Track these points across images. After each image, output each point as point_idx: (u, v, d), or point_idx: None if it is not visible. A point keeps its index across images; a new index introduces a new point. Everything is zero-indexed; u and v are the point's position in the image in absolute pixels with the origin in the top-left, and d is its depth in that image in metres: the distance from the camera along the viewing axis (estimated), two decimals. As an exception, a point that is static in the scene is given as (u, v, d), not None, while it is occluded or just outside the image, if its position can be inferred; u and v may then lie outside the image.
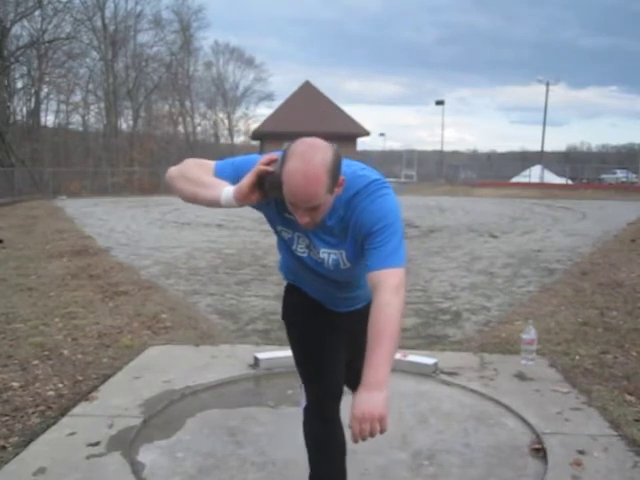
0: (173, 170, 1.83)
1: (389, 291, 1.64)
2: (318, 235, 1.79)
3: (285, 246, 1.92)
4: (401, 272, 1.69)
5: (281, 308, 2.29)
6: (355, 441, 1.54)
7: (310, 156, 1.54)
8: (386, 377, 1.59)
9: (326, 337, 2.07)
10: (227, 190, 1.67)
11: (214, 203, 1.70)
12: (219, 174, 1.76)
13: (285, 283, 2.22)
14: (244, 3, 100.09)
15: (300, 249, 1.87)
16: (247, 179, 1.64)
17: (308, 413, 2.10)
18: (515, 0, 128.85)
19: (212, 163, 1.82)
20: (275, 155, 1.66)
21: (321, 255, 1.83)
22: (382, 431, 1.53)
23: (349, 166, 1.73)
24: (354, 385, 1.90)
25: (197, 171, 1.77)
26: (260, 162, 1.66)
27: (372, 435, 1.52)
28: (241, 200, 1.66)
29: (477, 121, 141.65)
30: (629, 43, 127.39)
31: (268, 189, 1.66)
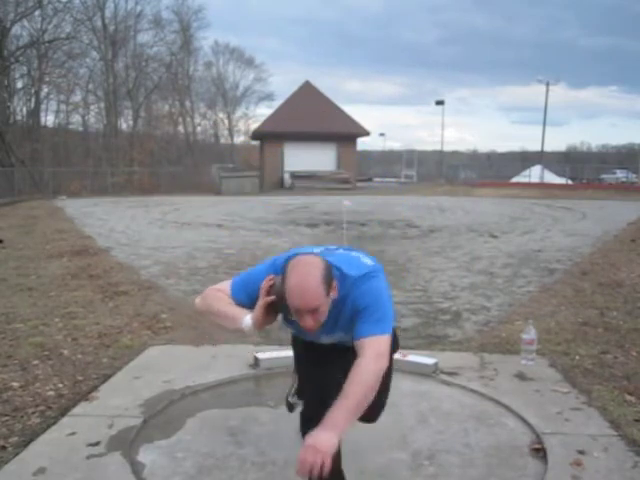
0: (199, 305, 2.20)
1: (370, 358, 1.89)
2: (314, 337, 2.13)
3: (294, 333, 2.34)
4: (385, 339, 1.96)
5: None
6: (297, 470, 1.70)
7: (304, 271, 1.88)
8: (344, 424, 1.78)
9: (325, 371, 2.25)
10: (247, 321, 2.03)
11: (239, 331, 2.07)
12: (234, 297, 2.13)
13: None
14: (244, 3, 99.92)
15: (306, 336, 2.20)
16: (258, 311, 2.01)
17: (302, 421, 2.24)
18: (515, 0, 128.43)
19: (227, 288, 2.15)
20: (271, 279, 2.03)
21: (322, 341, 2.17)
22: (323, 470, 1.68)
23: (338, 268, 2.01)
24: None
25: (218, 305, 2.13)
26: (262, 294, 2.02)
27: (313, 468, 1.67)
28: (260, 328, 2.05)
29: (477, 121, 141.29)
30: (629, 43, 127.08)
31: (278, 309, 2.05)
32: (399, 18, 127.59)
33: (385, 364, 1.93)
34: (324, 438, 1.72)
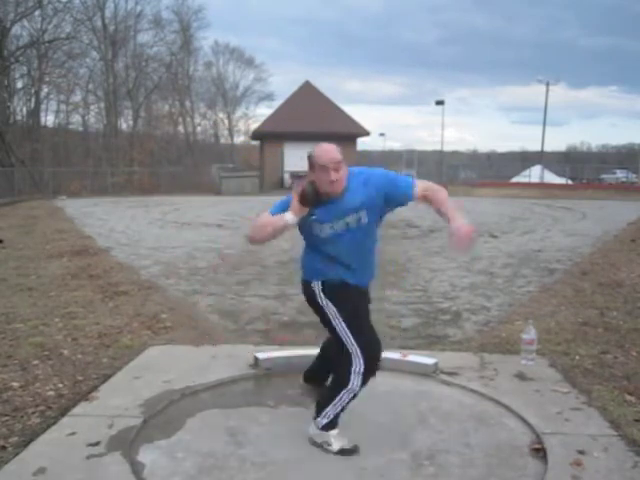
0: (250, 232, 2.86)
1: (433, 187, 2.79)
2: (339, 214, 2.74)
3: (320, 240, 2.80)
4: (423, 180, 2.86)
5: (323, 292, 2.86)
6: (458, 240, 2.58)
7: (324, 143, 2.75)
8: (459, 214, 2.68)
9: (367, 307, 2.95)
10: (287, 214, 2.70)
11: (284, 227, 2.72)
12: (275, 212, 2.77)
13: (320, 285, 2.85)
14: (244, 3, 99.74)
15: (329, 230, 2.77)
16: (293, 201, 2.70)
17: (366, 369, 2.75)
18: (515, 0, 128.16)
19: (266, 213, 2.81)
20: (298, 185, 2.73)
21: (347, 220, 2.74)
22: (473, 238, 2.63)
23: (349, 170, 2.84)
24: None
25: (264, 219, 2.77)
26: (294, 192, 2.71)
27: (470, 239, 2.60)
28: (297, 213, 2.69)
29: (477, 121, 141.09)
30: (629, 43, 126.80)
31: (310, 197, 2.67)
32: (399, 18, 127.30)
33: (436, 185, 2.81)
34: (461, 221, 2.62)
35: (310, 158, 2.70)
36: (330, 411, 2.78)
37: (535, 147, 60.07)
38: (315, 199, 2.68)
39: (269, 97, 50.99)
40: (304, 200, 2.66)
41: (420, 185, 2.74)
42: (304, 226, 2.80)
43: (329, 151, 2.67)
